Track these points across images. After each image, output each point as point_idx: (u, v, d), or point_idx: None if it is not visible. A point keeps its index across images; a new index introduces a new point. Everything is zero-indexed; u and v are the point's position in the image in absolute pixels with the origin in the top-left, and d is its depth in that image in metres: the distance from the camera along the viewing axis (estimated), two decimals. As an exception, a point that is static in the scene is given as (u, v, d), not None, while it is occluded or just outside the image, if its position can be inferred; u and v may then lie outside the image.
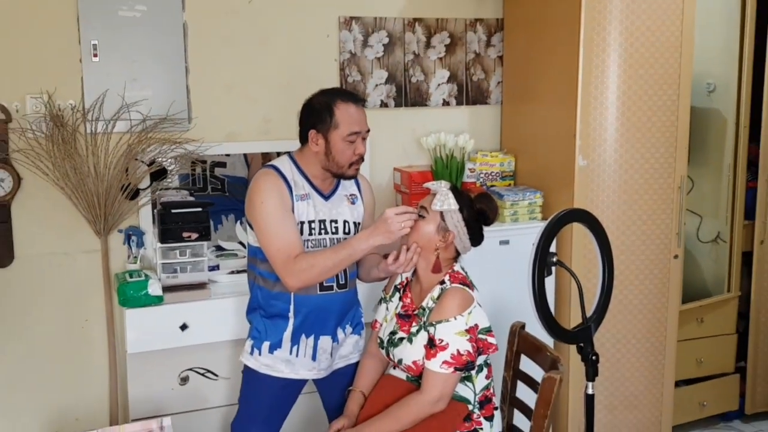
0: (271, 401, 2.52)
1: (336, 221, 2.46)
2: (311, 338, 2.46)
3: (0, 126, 2.90)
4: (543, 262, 2.05)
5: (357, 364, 2.54)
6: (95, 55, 2.99)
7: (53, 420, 3.11)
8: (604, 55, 3.04)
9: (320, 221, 2.43)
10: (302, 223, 2.40)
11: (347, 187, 2.52)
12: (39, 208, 2.99)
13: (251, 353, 2.49)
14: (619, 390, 3.22)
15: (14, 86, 2.91)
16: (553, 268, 2.16)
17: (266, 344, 2.46)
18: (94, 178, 2.92)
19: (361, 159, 2.43)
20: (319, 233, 2.43)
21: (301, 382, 2.53)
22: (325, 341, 2.48)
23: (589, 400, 2.19)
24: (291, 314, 2.43)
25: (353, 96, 2.44)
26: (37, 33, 2.93)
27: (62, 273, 3.06)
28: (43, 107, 2.91)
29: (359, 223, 2.52)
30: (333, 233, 2.45)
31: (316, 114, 2.38)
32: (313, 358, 2.48)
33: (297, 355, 2.46)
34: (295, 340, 2.45)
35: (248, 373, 2.51)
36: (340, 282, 2.46)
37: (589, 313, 2.20)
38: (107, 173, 2.94)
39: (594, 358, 2.16)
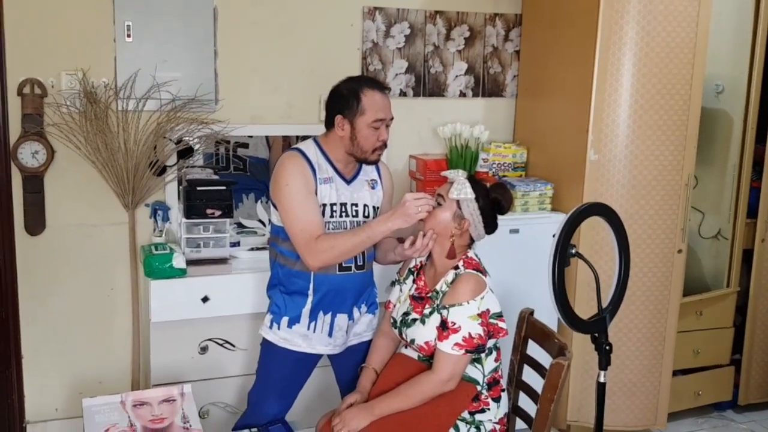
0: (287, 373, 2.53)
1: (356, 205, 2.45)
2: (328, 315, 2.46)
3: (36, 100, 2.90)
4: (564, 253, 2.03)
5: (370, 341, 2.55)
6: (129, 36, 2.98)
7: (78, 382, 3.13)
8: (620, 53, 3.00)
9: (342, 204, 2.43)
10: (324, 205, 2.40)
11: (368, 172, 2.52)
12: (70, 180, 2.99)
13: (270, 327, 2.49)
14: (619, 377, 3.21)
15: (50, 63, 2.90)
16: (570, 260, 2.14)
17: (285, 319, 2.46)
18: (124, 153, 2.91)
19: (384, 145, 2.42)
20: (341, 216, 2.43)
21: (317, 357, 2.54)
22: (341, 319, 2.48)
23: (601, 388, 2.18)
24: (310, 292, 2.43)
25: (379, 84, 2.43)
26: (74, 12, 2.92)
27: (91, 243, 3.07)
28: (77, 84, 2.90)
29: (378, 208, 2.52)
30: (353, 216, 2.45)
31: (344, 100, 2.37)
32: (330, 334, 2.48)
33: (314, 331, 2.46)
34: (312, 317, 2.45)
35: (266, 345, 2.52)
36: (359, 263, 2.47)
37: (604, 304, 2.18)
38: (136, 149, 2.93)
39: (608, 348, 2.15)
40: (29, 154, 2.91)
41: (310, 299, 2.44)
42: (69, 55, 2.92)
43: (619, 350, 3.19)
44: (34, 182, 2.96)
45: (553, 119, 3.32)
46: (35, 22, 2.88)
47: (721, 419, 3.63)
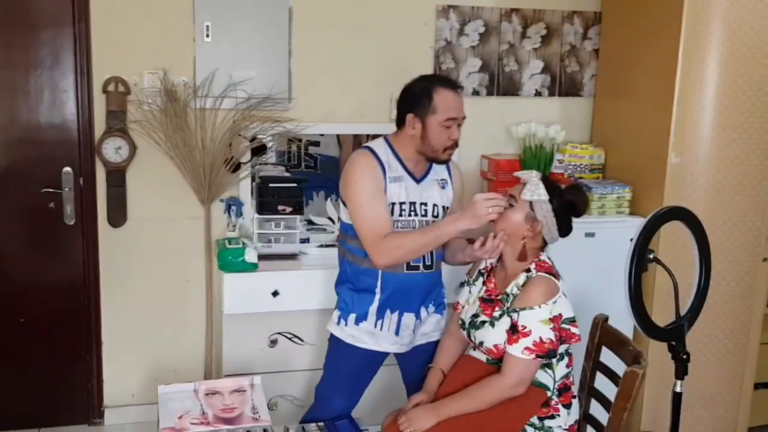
0: (354, 370, 2.53)
1: (426, 204, 2.43)
2: (395, 314, 2.45)
3: (119, 98, 3.01)
4: (641, 258, 1.96)
5: (437, 342, 2.52)
6: (207, 36, 3.05)
7: (154, 370, 3.23)
8: (705, 52, 2.88)
9: (411, 203, 2.41)
10: (393, 204, 2.39)
11: (438, 171, 2.49)
12: (150, 175, 3.09)
13: (338, 323, 2.50)
14: (697, 388, 3.09)
15: (134, 62, 3.01)
16: (648, 266, 2.06)
17: (352, 316, 2.46)
18: (201, 150, 2.99)
19: (456, 144, 2.39)
20: (409, 215, 2.41)
21: (383, 355, 2.53)
22: (408, 318, 2.47)
23: (677, 398, 2.10)
24: (378, 290, 2.43)
25: (452, 83, 2.40)
26: (156, 14, 3.01)
27: (168, 236, 3.16)
28: (158, 82, 2.99)
29: (447, 207, 2.49)
30: (422, 215, 2.43)
31: (415, 98, 2.35)
32: (396, 332, 2.47)
33: (381, 329, 2.46)
34: (380, 315, 2.45)
35: (334, 341, 2.53)
36: (427, 263, 2.45)
37: (682, 311, 2.10)
38: (213, 146, 3.00)
39: (685, 357, 2.06)
40: (113, 150, 3.02)
41: (377, 297, 2.43)
42: (151, 55, 3.01)
43: (698, 360, 3.06)
44: (117, 176, 3.08)
45: (633, 120, 3.21)
46: (120, 24, 2.98)
47: (806, 436, 3.44)
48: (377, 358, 2.54)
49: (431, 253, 2.43)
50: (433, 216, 2.44)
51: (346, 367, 2.53)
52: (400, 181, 2.40)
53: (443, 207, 2.47)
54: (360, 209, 2.35)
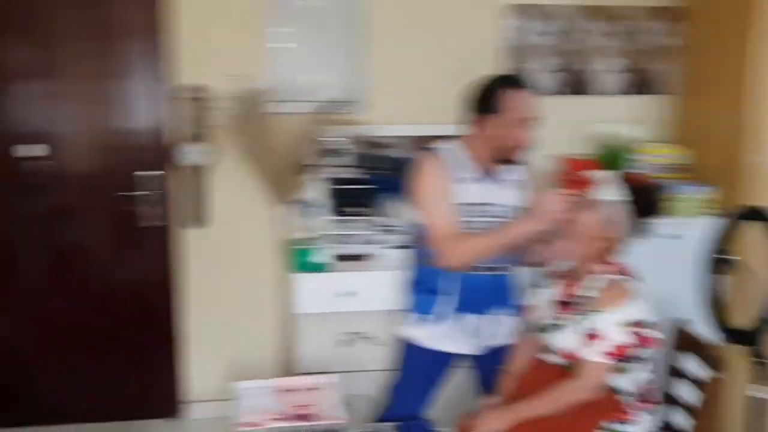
0: (426, 371, 2.54)
1: (497, 204, 2.42)
2: (468, 315, 2.45)
3: (200, 104, 3.13)
4: (719, 260, 1.91)
5: (510, 344, 2.51)
6: (283, 42, 3.14)
7: (234, 366, 3.34)
8: (794, 46, 2.76)
9: (481, 204, 2.41)
10: (462, 204, 2.39)
11: (510, 171, 2.48)
12: (226, 178, 3.21)
13: (410, 324, 2.52)
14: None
15: (211, 69, 3.13)
16: (729, 268, 2.00)
17: (424, 317, 2.48)
18: (276, 153, 3.08)
19: (527, 144, 2.38)
20: (479, 215, 2.41)
21: (456, 356, 2.54)
22: (480, 320, 2.46)
23: (758, 404, 2.02)
24: (450, 291, 2.43)
25: (523, 82, 2.39)
26: (235, 22, 3.13)
27: (246, 237, 3.27)
28: (236, 88, 3.10)
29: (519, 208, 2.47)
30: (493, 216, 2.42)
31: (486, 98, 2.35)
32: (469, 334, 2.47)
33: (453, 330, 2.46)
34: (452, 316, 2.45)
35: (406, 342, 2.55)
36: (498, 265, 2.44)
37: (764, 314, 2.03)
38: (287, 149, 3.08)
39: (765, 361, 1.99)
40: (193, 153, 3.14)
41: (449, 298, 2.44)
42: (227, 62, 3.13)
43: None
44: (197, 179, 3.20)
45: (719, 118, 3.11)
46: (200, 33, 3.11)
47: None
48: (449, 359, 2.54)
49: (503, 254, 2.42)
50: (504, 216, 2.43)
51: (418, 368, 2.54)
52: (470, 182, 2.40)
53: (515, 207, 2.46)
54: (428, 211, 2.37)
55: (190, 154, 3.14)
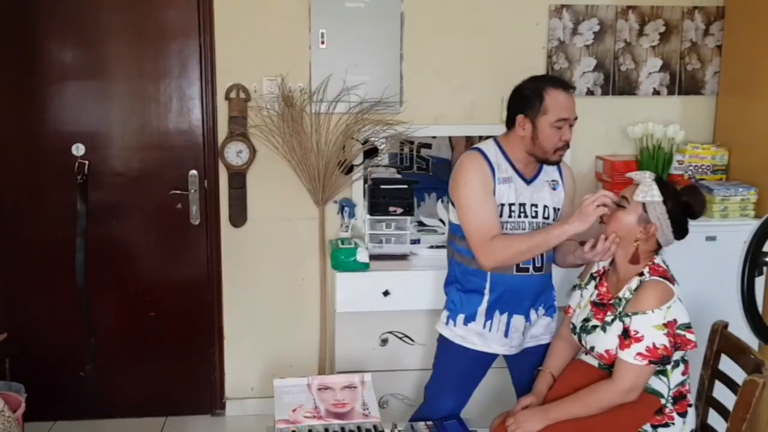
0: (463, 371, 2.57)
1: (536, 205, 2.44)
2: (504, 315, 2.47)
3: (241, 104, 3.20)
4: (755, 261, 1.91)
5: (547, 345, 2.52)
6: (323, 43, 3.19)
7: (271, 364, 3.40)
8: (841, 44, 2.72)
9: (521, 204, 2.43)
10: (503, 205, 2.41)
11: (549, 172, 2.49)
12: (269, 177, 3.27)
13: (446, 323, 2.55)
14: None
15: (254, 70, 3.19)
16: (765, 269, 2.00)
17: (461, 316, 2.50)
18: (316, 153, 3.13)
19: (567, 145, 2.39)
20: (519, 216, 2.43)
21: (492, 356, 2.56)
22: (517, 320, 2.48)
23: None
24: (487, 291, 2.46)
25: (563, 83, 2.39)
26: (275, 23, 3.18)
27: (285, 236, 3.33)
28: (276, 89, 3.16)
29: (559, 209, 2.48)
30: (533, 217, 2.43)
31: (526, 99, 2.37)
32: (506, 334, 2.49)
33: (490, 330, 2.48)
34: (489, 316, 2.47)
35: (443, 342, 2.58)
36: (537, 265, 2.45)
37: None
38: (327, 149, 3.14)
39: (804, 365, 1.98)
40: (234, 153, 3.22)
41: (486, 298, 2.46)
42: (270, 63, 3.18)
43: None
44: (238, 179, 3.27)
45: (759, 118, 3.06)
46: (241, 34, 3.17)
47: None
48: (486, 359, 2.56)
49: (542, 255, 2.43)
50: (543, 217, 2.44)
51: (455, 368, 2.57)
52: (510, 182, 2.42)
53: (554, 208, 2.47)
54: (468, 210, 2.39)
55: (234, 153, 3.21)
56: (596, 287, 2.33)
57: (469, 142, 3.53)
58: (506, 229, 2.41)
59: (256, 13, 3.17)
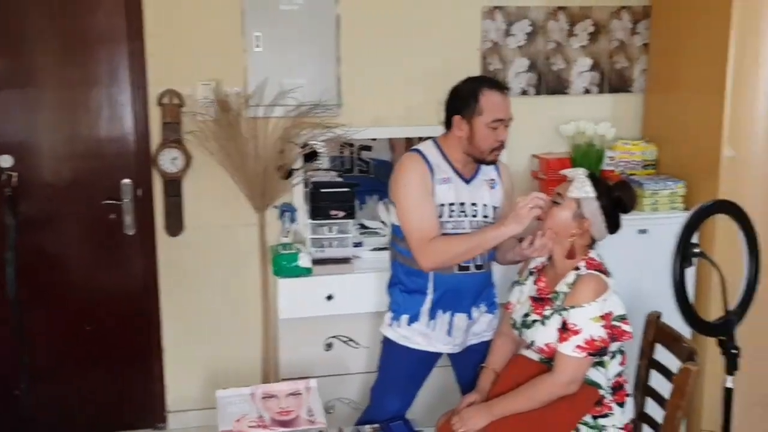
0: (408, 371, 2.58)
1: (475, 204, 2.47)
2: (447, 314, 2.50)
3: (174, 110, 3.14)
4: (685, 252, 1.97)
5: (490, 341, 2.55)
6: (257, 46, 3.16)
7: (213, 374, 3.34)
8: (758, 42, 2.84)
9: (460, 204, 2.45)
10: (443, 205, 2.43)
11: (487, 172, 2.53)
12: (206, 184, 3.21)
13: (390, 325, 2.56)
14: (758, 387, 3.04)
15: (187, 75, 3.13)
16: (695, 260, 2.07)
17: (405, 317, 2.52)
18: (254, 158, 3.09)
19: (502, 146, 2.43)
20: (459, 215, 2.45)
21: (436, 355, 2.58)
22: (460, 318, 2.51)
23: (728, 394, 2.09)
24: (430, 290, 2.48)
25: (498, 84, 2.44)
26: (207, 27, 3.14)
27: (224, 243, 3.28)
28: (211, 93, 3.11)
29: (497, 207, 2.52)
30: (472, 216, 2.47)
31: (462, 100, 2.40)
32: (449, 333, 2.52)
33: (433, 329, 2.51)
34: (432, 315, 2.49)
35: (387, 343, 2.59)
36: (478, 263, 2.48)
37: (732, 306, 2.09)
38: (265, 154, 3.10)
39: (735, 351, 2.06)
40: (169, 160, 3.15)
41: (429, 297, 2.48)
42: (203, 67, 3.13)
43: (759, 357, 3.00)
44: (174, 186, 3.21)
45: (686, 114, 3.18)
46: (172, 39, 3.11)
47: None
48: (430, 358, 2.58)
49: (481, 254, 2.47)
50: (483, 216, 2.48)
51: (400, 368, 2.58)
52: (449, 182, 2.44)
53: (493, 207, 2.51)
54: (407, 212, 2.41)
55: (168, 160, 3.15)
56: (535, 282, 2.37)
57: (409, 143, 3.55)
58: (447, 228, 2.43)
59: (188, 17, 3.12)
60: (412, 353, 2.53)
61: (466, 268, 2.48)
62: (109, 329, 3.29)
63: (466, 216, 2.46)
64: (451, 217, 2.45)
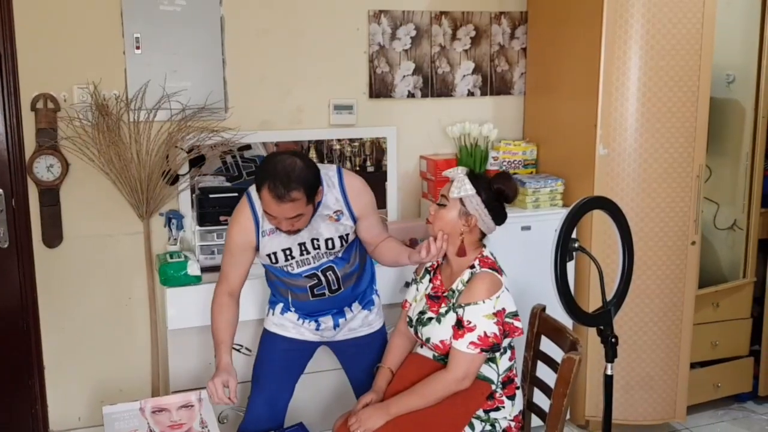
0: (281, 361, 2.58)
1: (317, 239, 2.40)
2: (313, 320, 2.57)
3: (49, 115, 2.95)
4: (565, 247, 2.05)
5: (367, 336, 2.60)
6: (138, 48, 3.03)
7: (99, 390, 3.18)
8: (626, 47, 3.00)
9: (300, 244, 2.39)
10: (275, 252, 2.40)
11: (329, 206, 2.40)
12: (85, 192, 3.04)
13: (267, 314, 2.62)
14: (636, 371, 3.21)
15: (62, 77, 2.96)
16: (575, 254, 2.15)
17: (279, 306, 2.58)
18: (137, 164, 2.96)
19: (291, 231, 2.32)
20: (302, 254, 2.41)
21: (310, 344, 2.61)
22: (326, 319, 2.57)
23: (608, 380, 2.19)
24: (291, 306, 2.57)
25: (277, 190, 2.18)
26: (83, 28, 2.97)
27: (107, 254, 3.12)
28: (89, 97, 2.95)
29: (346, 235, 2.44)
30: (315, 248, 2.41)
31: (257, 176, 2.28)
32: (317, 329, 2.58)
33: (302, 325, 2.57)
34: (299, 316, 2.59)
35: (263, 335, 2.63)
36: (333, 287, 2.50)
37: (609, 297, 2.20)
38: (149, 160, 2.98)
39: (613, 340, 2.16)
40: (44, 168, 2.96)
41: (294, 309, 2.58)
42: (80, 69, 2.97)
43: (635, 344, 3.19)
44: (50, 195, 3.02)
45: (562, 115, 3.32)
46: (46, 40, 2.93)
47: (742, 410, 3.60)
48: (304, 348, 2.61)
49: (337, 277, 2.46)
50: (328, 248, 2.42)
51: (273, 357, 2.58)
52: (275, 231, 2.36)
53: (340, 236, 2.43)
54: (223, 257, 2.49)
55: (44, 168, 2.96)
56: (431, 281, 2.40)
57: (299, 145, 3.50)
58: (294, 268, 2.43)
59: (62, 17, 2.94)
60: (284, 341, 2.57)
61: (322, 295, 2.49)
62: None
63: (308, 253, 2.42)
64: (289, 259, 2.41)
